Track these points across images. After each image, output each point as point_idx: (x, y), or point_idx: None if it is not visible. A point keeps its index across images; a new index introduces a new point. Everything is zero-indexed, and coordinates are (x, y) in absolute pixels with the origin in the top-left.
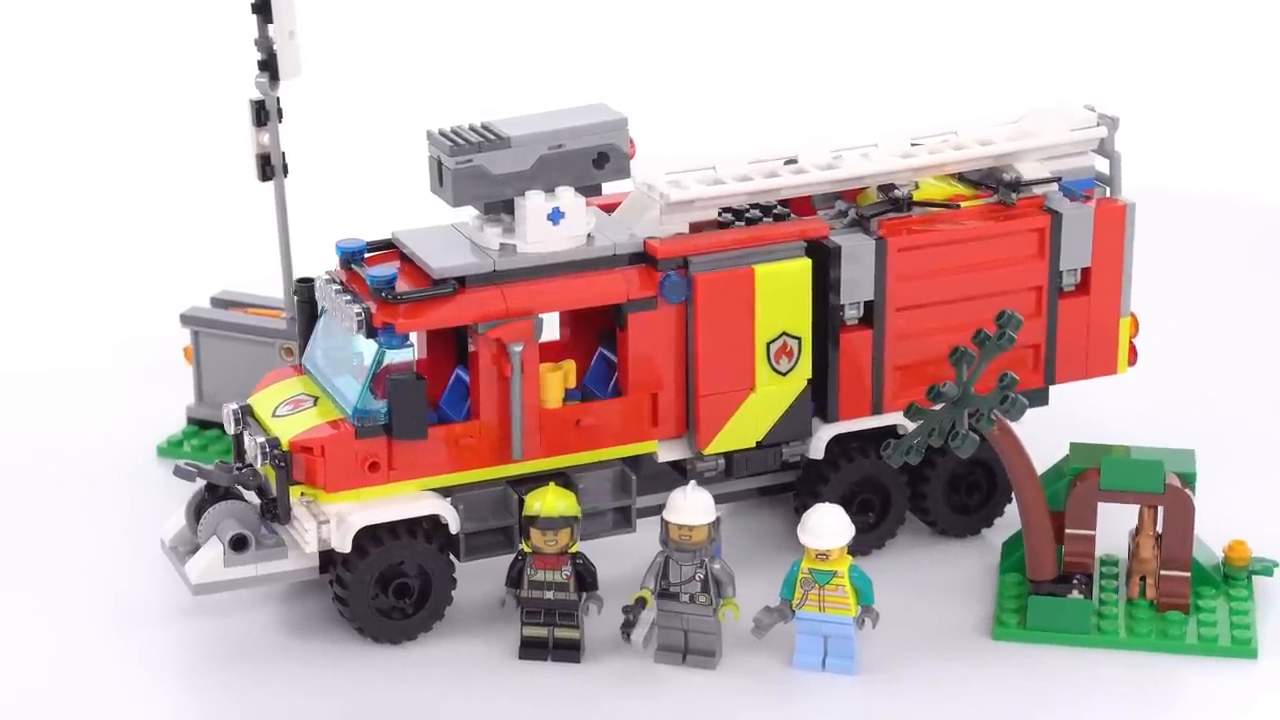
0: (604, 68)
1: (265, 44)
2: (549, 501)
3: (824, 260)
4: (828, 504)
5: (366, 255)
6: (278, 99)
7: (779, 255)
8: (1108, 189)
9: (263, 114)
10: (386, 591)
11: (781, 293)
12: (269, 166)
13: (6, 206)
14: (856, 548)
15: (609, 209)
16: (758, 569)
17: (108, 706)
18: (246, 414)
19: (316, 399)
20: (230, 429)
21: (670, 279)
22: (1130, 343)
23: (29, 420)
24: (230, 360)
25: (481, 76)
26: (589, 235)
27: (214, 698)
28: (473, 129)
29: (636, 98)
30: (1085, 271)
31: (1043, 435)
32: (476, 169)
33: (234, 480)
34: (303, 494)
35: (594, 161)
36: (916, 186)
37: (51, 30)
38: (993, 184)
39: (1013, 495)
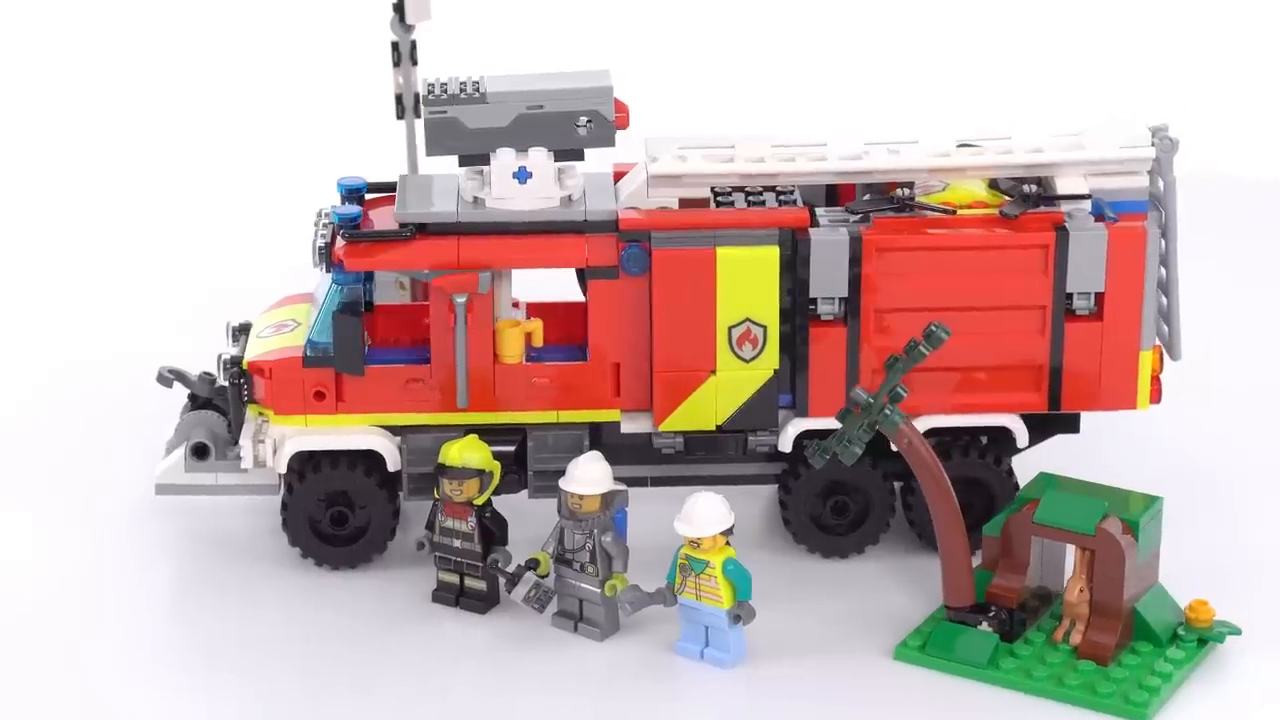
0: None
1: None
2: (455, 452)
3: (795, 251)
4: (707, 492)
5: (367, 196)
6: (412, 42)
7: (748, 240)
8: (1163, 213)
9: (396, 54)
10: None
11: (746, 278)
12: (401, 105)
13: (185, 138)
14: (834, 551)
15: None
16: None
17: (64, 593)
18: (243, 331)
19: (300, 325)
20: (228, 343)
21: (631, 250)
22: (1155, 378)
23: (171, 340)
24: None
25: (612, 26)
26: (568, 198)
27: (145, 595)
28: (460, 83)
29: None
30: (1100, 297)
31: (1068, 465)
32: (450, 121)
33: (214, 392)
34: (260, 413)
35: (577, 127)
36: (945, 187)
37: None
38: (1016, 194)
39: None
